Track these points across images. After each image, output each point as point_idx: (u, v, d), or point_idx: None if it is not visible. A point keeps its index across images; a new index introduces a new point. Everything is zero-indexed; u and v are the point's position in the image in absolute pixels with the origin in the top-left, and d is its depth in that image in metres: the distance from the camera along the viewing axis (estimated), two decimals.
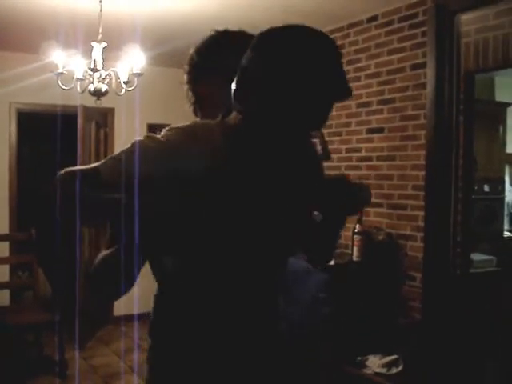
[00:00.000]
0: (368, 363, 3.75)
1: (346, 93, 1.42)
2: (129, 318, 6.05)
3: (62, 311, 4.90)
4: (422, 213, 3.96)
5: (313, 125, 1.44)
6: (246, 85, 1.37)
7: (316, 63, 1.35)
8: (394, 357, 3.72)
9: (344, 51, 4.80)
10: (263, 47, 1.36)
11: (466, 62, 3.59)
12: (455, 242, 3.51)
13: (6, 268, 5.70)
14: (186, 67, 1.76)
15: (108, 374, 4.90)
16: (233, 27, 4.76)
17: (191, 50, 1.79)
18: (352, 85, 4.95)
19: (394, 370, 3.64)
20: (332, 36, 4.90)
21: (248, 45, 1.43)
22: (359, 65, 4.64)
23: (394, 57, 4.31)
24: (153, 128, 6.33)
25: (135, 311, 6.03)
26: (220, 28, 1.79)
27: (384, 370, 3.65)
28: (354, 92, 4.64)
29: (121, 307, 6.08)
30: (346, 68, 4.82)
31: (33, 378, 4.66)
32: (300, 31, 1.38)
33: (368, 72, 4.55)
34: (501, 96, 5.39)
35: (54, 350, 4.97)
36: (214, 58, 1.70)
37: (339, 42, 4.85)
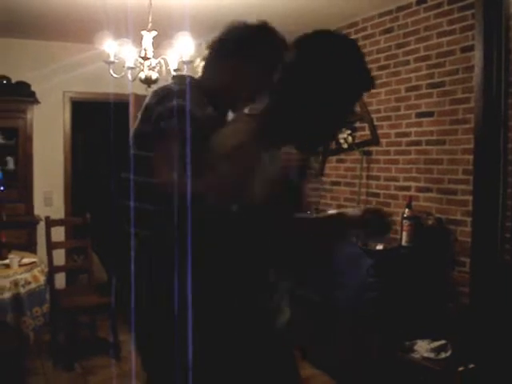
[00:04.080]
0: (416, 348, 3.75)
1: (371, 85, 1.69)
2: None
3: (116, 295, 5.03)
4: (472, 198, 3.91)
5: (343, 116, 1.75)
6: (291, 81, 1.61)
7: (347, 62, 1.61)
8: (442, 342, 3.71)
9: (393, 34, 4.76)
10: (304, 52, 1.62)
11: None
12: (504, 227, 3.46)
13: (61, 252, 5.89)
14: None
15: None
16: (284, 13, 4.80)
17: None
18: (401, 68, 4.91)
19: (443, 355, 3.63)
20: (381, 19, 4.88)
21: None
22: (408, 48, 4.59)
23: (444, 39, 4.25)
24: None
25: None
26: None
27: (432, 355, 3.64)
28: (404, 76, 4.62)
29: None
30: (395, 52, 4.77)
31: (87, 359, 4.82)
32: (329, 38, 1.65)
33: (417, 55, 4.50)
34: None
35: (107, 332, 5.12)
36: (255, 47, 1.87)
37: (388, 26, 4.81)
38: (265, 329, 1.66)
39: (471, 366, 3.35)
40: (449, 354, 3.63)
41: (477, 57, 3.51)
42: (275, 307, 1.70)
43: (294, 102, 1.60)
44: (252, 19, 1.92)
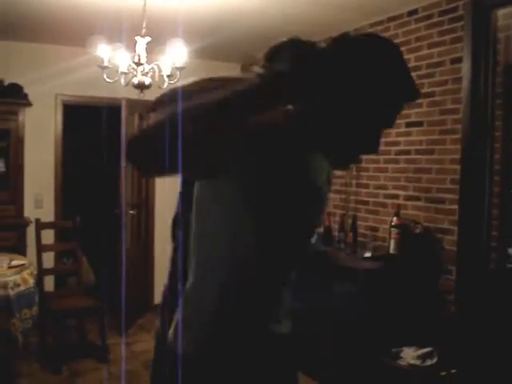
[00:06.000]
0: (403, 355, 3.79)
1: (415, 94, 1.49)
2: None
3: (106, 297, 5.05)
4: (458, 207, 3.96)
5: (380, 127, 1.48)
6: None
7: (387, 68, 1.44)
8: (428, 349, 3.75)
9: None
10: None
11: (506, 55, 3.57)
12: (490, 236, 3.51)
13: (51, 255, 5.89)
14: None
15: (148, 360, 5.02)
16: (274, 21, 4.82)
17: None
18: None
19: (429, 362, 3.67)
20: (372, 29, 4.92)
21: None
22: None
23: (434, 50, 4.31)
24: None
25: None
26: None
27: (418, 362, 3.68)
28: None
29: None
30: None
31: (75, 362, 4.83)
32: (369, 41, 1.44)
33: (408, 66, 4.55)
34: None
35: (96, 335, 5.13)
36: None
37: None
38: (266, 338, 1.58)
39: (453, 371, 3.40)
40: (435, 361, 3.67)
41: (465, 68, 3.57)
42: (279, 319, 1.61)
43: (332, 106, 1.38)
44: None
